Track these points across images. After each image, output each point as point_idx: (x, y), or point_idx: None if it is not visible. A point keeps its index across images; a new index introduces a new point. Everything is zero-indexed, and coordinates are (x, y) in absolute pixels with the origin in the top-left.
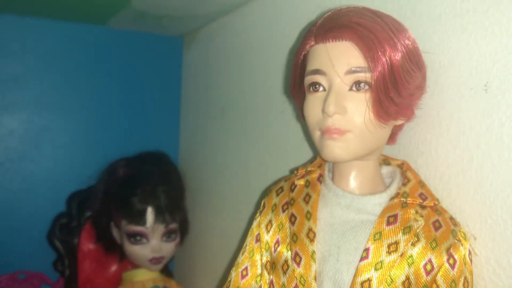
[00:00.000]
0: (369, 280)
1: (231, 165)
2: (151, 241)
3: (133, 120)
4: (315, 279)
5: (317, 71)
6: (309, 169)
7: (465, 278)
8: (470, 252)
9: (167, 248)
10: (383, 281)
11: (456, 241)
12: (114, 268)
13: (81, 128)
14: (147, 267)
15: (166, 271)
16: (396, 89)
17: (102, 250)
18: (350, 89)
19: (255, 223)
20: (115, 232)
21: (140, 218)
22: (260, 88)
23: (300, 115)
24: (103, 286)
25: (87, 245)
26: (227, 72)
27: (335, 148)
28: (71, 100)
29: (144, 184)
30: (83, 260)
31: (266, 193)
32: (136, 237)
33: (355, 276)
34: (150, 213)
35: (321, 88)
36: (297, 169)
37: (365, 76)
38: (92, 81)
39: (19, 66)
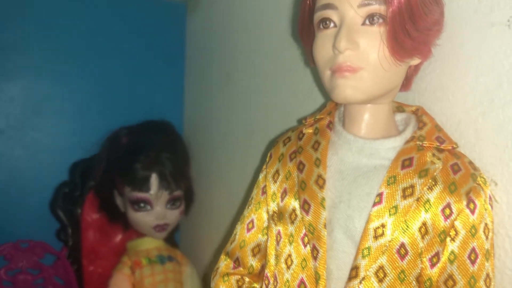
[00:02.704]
0: (382, 226)
1: (237, 132)
2: (155, 208)
3: (136, 88)
4: (325, 227)
5: (327, 6)
6: (318, 117)
7: (486, 224)
8: (490, 199)
9: (172, 215)
10: (398, 227)
11: (476, 185)
12: (118, 237)
13: (84, 96)
14: (151, 235)
15: (171, 241)
16: (413, 22)
17: (105, 220)
18: (363, 24)
19: (261, 176)
20: (118, 200)
21: (143, 185)
22: (266, 50)
23: (309, 59)
24: (107, 255)
25: (91, 214)
26: (232, 37)
27: (346, 88)
28: (74, 68)
29: (148, 150)
30: (87, 229)
31: (272, 144)
32: (140, 204)
33: (367, 222)
34: (154, 180)
35: (331, 25)
36: (305, 118)
37: (380, 8)
38: (94, 48)
39: (19, 32)
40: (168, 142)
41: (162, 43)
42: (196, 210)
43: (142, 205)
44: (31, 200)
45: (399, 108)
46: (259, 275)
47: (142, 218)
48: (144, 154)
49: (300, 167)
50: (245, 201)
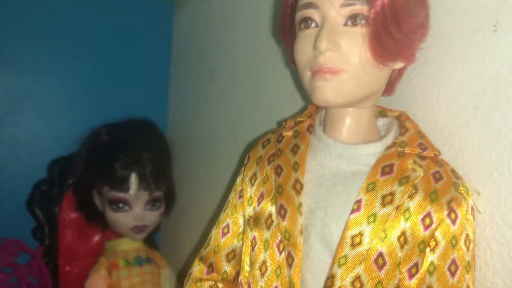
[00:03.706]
0: (360, 234)
1: (221, 132)
2: (134, 208)
3: (120, 86)
4: (301, 234)
5: (309, 5)
6: (298, 119)
7: (467, 235)
8: (472, 209)
9: (151, 216)
10: (376, 236)
11: (458, 194)
12: (96, 238)
13: (65, 93)
14: (130, 236)
15: (151, 243)
16: (396, 23)
17: (84, 219)
18: (345, 24)
19: (238, 179)
20: (97, 200)
21: (123, 184)
22: (252, 50)
23: (290, 60)
24: (85, 256)
25: (69, 213)
26: (218, 37)
27: (327, 90)
28: (55, 64)
29: (128, 149)
30: (64, 229)
31: (251, 146)
32: (118, 204)
33: (345, 229)
34: (133, 179)
35: (313, 24)
36: (285, 120)
37: (362, 9)
38: (77, 44)
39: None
40: (150, 141)
41: (148, 41)
42: (178, 211)
43: (120, 205)
44: (7, 197)
45: (382, 113)
46: (233, 281)
47: (121, 218)
48: (124, 153)
49: (278, 170)
50: (224, 204)
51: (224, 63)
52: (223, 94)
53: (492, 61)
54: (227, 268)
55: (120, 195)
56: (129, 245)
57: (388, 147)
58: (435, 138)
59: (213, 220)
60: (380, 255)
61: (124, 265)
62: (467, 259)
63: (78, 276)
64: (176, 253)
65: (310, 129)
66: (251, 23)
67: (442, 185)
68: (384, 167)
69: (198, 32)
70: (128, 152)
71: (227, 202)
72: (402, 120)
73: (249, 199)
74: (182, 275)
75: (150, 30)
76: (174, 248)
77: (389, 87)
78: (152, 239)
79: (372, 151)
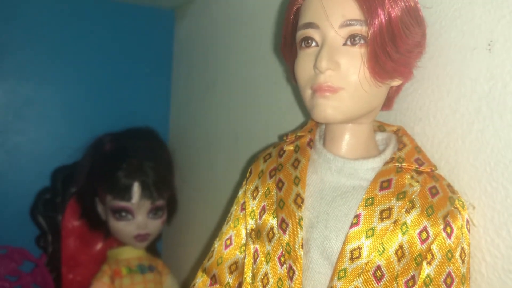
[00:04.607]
0: (359, 248)
1: (222, 140)
2: (137, 217)
3: (122, 95)
4: (302, 247)
5: (309, 25)
6: (299, 134)
7: (462, 248)
8: (468, 222)
9: (153, 225)
10: (375, 250)
11: (454, 208)
12: (99, 246)
13: (68, 101)
14: (132, 245)
15: (153, 250)
16: (394, 43)
17: (86, 227)
18: (345, 44)
19: (241, 192)
20: (100, 208)
21: (125, 193)
22: (253, 60)
23: (291, 76)
24: (87, 264)
25: (72, 221)
26: (220, 45)
27: (327, 108)
28: (58, 72)
29: (131, 158)
30: (67, 237)
31: (253, 160)
32: (121, 213)
33: (344, 243)
34: (136, 188)
35: (313, 44)
36: (286, 134)
37: (361, 29)
38: (80, 53)
39: (2, 35)
40: (152, 150)
41: (149, 50)
42: (179, 219)
43: (123, 214)
44: (11, 206)
45: (380, 127)
46: None
47: (123, 227)
48: (127, 162)
49: (279, 185)
50: (227, 212)
51: (225, 72)
52: (224, 102)
53: (486, 79)
54: (230, 280)
55: (123, 204)
56: (131, 253)
57: (387, 163)
58: (432, 151)
59: (214, 227)
60: (378, 268)
61: (126, 273)
62: (462, 271)
63: (81, 284)
64: (177, 260)
65: (311, 143)
66: (253, 32)
67: (438, 200)
68: (383, 182)
69: (199, 40)
70: (131, 161)
71: (229, 214)
72: (400, 135)
73: (251, 212)
74: (185, 286)
75: (152, 38)
76: (176, 255)
77: (388, 103)
78: (154, 247)
79: (371, 166)
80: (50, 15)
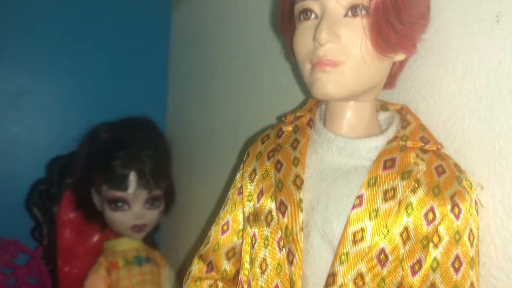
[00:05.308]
0: (362, 230)
1: (220, 129)
2: (133, 207)
3: (118, 84)
4: (302, 230)
5: None
6: (298, 114)
7: (471, 230)
8: (476, 203)
9: (150, 215)
10: (378, 231)
11: (461, 188)
12: (95, 237)
13: (64, 91)
14: (129, 235)
15: (150, 242)
16: (397, 13)
17: (83, 218)
18: (346, 15)
19: (238, 175)
20: (96, 199)
21: (121, 183)
22: (250, 46)
23: (290, 53)
24: (84, 255)
25: (68, 213)
26: (217, 34)
27: (327, 83)
28: (54, 62)
29: (128, 148)
30: (63, 228)
31: (251, 142)
32: (117, 203)
33: (346, 225)
34: (132, 178)
35: (312, 16)
36: (285, 115)
37: None
38: (76, 43)
39: None
40: (149, 139)
41: (146, 39)
42: (178, 209)
43: (119, 204)
44: (6, 197)
45: (383, 106)
46: (233, 280)
47: (120, 218)
48: (123, 151)
49: (278, 166)
50: (223, 201)
51: (222, 59)
52: (221, 91)
53: (494, 52)
54: (227, 266)
55: (119, 194)
56: (128, 245)
57: (390, 141)
58: (437, 131)
59: (213, 218)
60: (383, 251)
61: (123, 264)
62: (471, 254)
63: (77, 276)
64: (176, 251)
65: (310, 123)
66: (249, 19)
67: (445, 179)
68: (386, 161)
69: (196, 29)
70: (127, 150)
71: (226, 199)
72: (403, 114)
73: (249, 195)
74: (181, 273)
75: (148, 28)
76: (174, 247)
77: (390, 80)
78: (151, 238)
79: (374, 145)
80: (46, 6)
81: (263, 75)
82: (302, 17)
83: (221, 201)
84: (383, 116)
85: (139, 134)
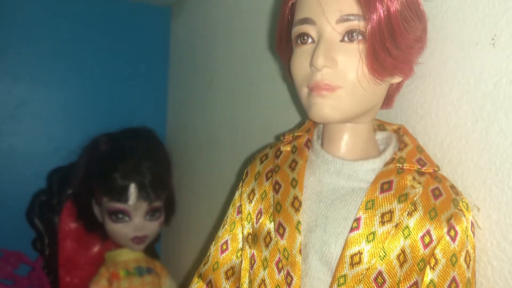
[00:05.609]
0: (359, 253)
1: (220, 139)
2: (134, 219)
3: (118, 94)
4: (300, 252)
5: (305, 20)
6: (296, 134)
7: (467, 252)
8: (472, 225)
9: (151, 227)
10: (376, 255)
11: (457, 210)
12: (96, 248)
13: (64, 101)
14: (130, 247)
15: (151, 252)
16: (394, 39)
17: (83, 229)
18: (342, 40)
19: (237, 194)
20: (96, 210)
21: (122, 195)
22: (250, 57)
23: (287, 74)
24: (85, 266)
25: (68, 224)
26: (216, 43)
27: (324, 107)
28: (53, 72)
29: (128, 159)
30: (64, 239)
31: (250, 161)
32: (117, 215)
33: (344, 248)
34: (132, 190)
35: (309, 40)
36: (283, 135)
37: (359, 24)
38: (75, 52)
39: None
40: (149, 150)
41: (145, 48)
42: (178, 219)
43: (120, 216)
44: (6, 208)
45: (380, 126)
46: None
47: (120, 229)
48: (123, 162)
49: (276, 187)
50: (225, 213)
51: (222, 69)
52: (221, 100)
53: (490, 75)
54: (227, 286)
55: (119, 206)
56: (129, 255)
57: (387, 163)
58: (434, 151)
59: (214, 229)
60: (380, 274)
61: (124, 275)
62: (467, 276)
63: (79, 286)
64: (177, 261)
65: (308, 144)
66: (249, 29)
67: (442, 202)
68: (383, 184)
69: (195, 38)
70: (127, 162)
71: (225, 217)
72: (400, 134)
73: (248, 215)
74: (183, 283)
75: (148, 36)
76: (175, 257)
77: (388, 101)
78: (152, 249)
79: (371, 167)
80: (45, 14)
81: (261, 83)
82: (299, 41)
83: (222, 211)
84: (380, 136)
85: (139, 145)
